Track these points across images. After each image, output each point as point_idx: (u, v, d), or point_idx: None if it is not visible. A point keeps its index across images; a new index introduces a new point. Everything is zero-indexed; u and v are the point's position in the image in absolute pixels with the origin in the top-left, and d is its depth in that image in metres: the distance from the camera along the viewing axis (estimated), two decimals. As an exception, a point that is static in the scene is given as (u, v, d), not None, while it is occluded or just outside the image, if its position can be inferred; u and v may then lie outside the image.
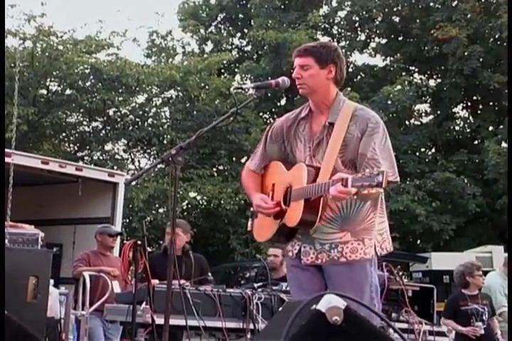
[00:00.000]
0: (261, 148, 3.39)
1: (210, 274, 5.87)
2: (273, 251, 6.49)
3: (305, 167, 3.09)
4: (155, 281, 4.68)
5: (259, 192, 3.29)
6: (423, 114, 20.80)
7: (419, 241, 18.75)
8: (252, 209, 3.39)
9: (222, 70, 19.90)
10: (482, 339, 6.33)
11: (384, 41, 21.35)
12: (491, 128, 19.04)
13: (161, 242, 6.17)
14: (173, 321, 3.58)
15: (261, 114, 19.61)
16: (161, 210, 16.56)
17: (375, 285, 3.13)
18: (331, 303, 1.93)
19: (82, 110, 17.41)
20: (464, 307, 6.36)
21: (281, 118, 3.39)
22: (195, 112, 17.78)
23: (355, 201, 3.07)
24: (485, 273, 6.84)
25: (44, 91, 17.19)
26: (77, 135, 18.50)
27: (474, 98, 20.79)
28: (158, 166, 15.92)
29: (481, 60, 18.29)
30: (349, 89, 17.38)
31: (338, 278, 3.08)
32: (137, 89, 17.30)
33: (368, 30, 21.30)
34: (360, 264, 3.08)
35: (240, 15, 21.07)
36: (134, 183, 14.66)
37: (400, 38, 20.98)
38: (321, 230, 3.09)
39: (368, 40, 21.52)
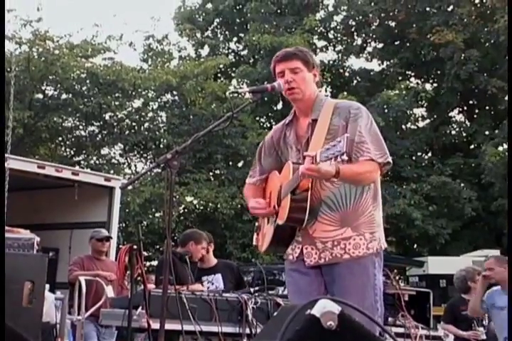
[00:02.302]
0: (257, 164, 3.40)
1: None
2: None
3: (291, 164, 3.07)
4: (151, 286, 4.68)
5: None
6: (419, 119, 20.86)
7: (415, 245, 18.77)
8: (257, 223, 3.38)
9: (219, 74, 19.94)
10: (482, 344, 6.32)
11: (380, 45, 21.41)
12: (487, 132, 19.08)
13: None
14: (168, 326, 3.57)
15: (257, 118, 19.65)
16: (157, 214, 16.54)
17: (379, 287, 3.07)
18: (325, 308, 1.92)
19: (78, 114, 17.41)
20: (465, 312, 6.33)
21: (270, 132, 3.39)
22: (191, 116, 17.79)
23: (349, 194, 3.04)
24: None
25: (40, 96, 17.19)
26: (73, 139, 18.49)
27: (470, 102, 20.85)
28: (155, 170, 15.96)
29: (477, 64, 18.33)
30: (345, 93, 17.41)
31: (339, 281, 3.03)
32: (133, 93, 17.32)
33: (364, 35, 21.36)
34: (364, 266, 3.03)
35: (236, 20, 21.10)
36: (130, 187, 14.66)
37: (397, 43, 21.04)
38: (321, 228, 3.05)
39: (365, 45, 21.58)
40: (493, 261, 5.72)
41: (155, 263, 16.87)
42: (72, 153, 18.64)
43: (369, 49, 21.58)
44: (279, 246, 3.20)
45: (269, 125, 20.74)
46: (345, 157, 2.63)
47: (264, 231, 3.26)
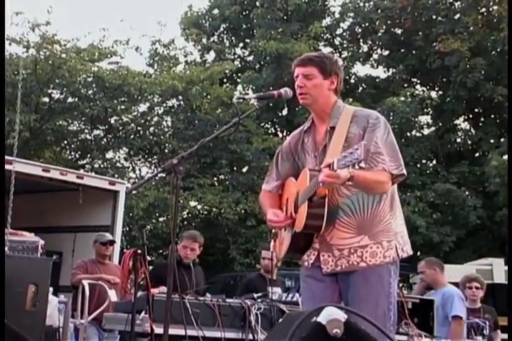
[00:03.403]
0: (274, 169, 3.40)
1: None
2: (267, 253, 6.44)
3: (308, 171, 3.07)
4: (155, 290, 4.67)
5: (274, 209, 3.28)
6: (425, 126, 20.84)
7: (419, 253, 18.70)
8: (273, 230, 3.38)
9: (224, 80, 19.96)
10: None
11: (386, 53, 21.41)
12: (492, 140, 19.05)
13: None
14: (172, 331, 3.56)
15: (262, 124, 19.65)
16: (161, 219, 16.55)
17: (394, 296, 3.07)
18: (331, 316, 1.92)
19: (83, 118, 17.45)
20: (468, 320, 6.31)
21: (288, 137, 3.40)
22: (196, 121, 17.81)
23: (367, 202, 3.05)
24: (486, 285, 6.79)
25: (46, 99, 17.21)
26: (78, 143, 18.52)
27: (476, 110, 20.83)
28: (159, 175, 15.96)
29: (483, 72, 18.32)
30: (351, 99, 17.42)
31: (354, 288, 3.03)
32: (139, 97, 17.34)
33: (370, 42, 21.38)
34: (379, 274, 3.04)
35: (243, 26, 21.14)
36: (134, 192, 14.67)
37: (403, 50, 21.03)
38: (338, 235, 3.05)
39: (371, 52, 21.58)
40: (424, 264, 5.80)
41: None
42: (77, 156, 18.65)
43: (375, 56, 21.59)
44: (296, 253, 3.20)
45: (273, 131, 20.76)
46: (362, 164, 2.64)
47: (282, 237, 3.25)
